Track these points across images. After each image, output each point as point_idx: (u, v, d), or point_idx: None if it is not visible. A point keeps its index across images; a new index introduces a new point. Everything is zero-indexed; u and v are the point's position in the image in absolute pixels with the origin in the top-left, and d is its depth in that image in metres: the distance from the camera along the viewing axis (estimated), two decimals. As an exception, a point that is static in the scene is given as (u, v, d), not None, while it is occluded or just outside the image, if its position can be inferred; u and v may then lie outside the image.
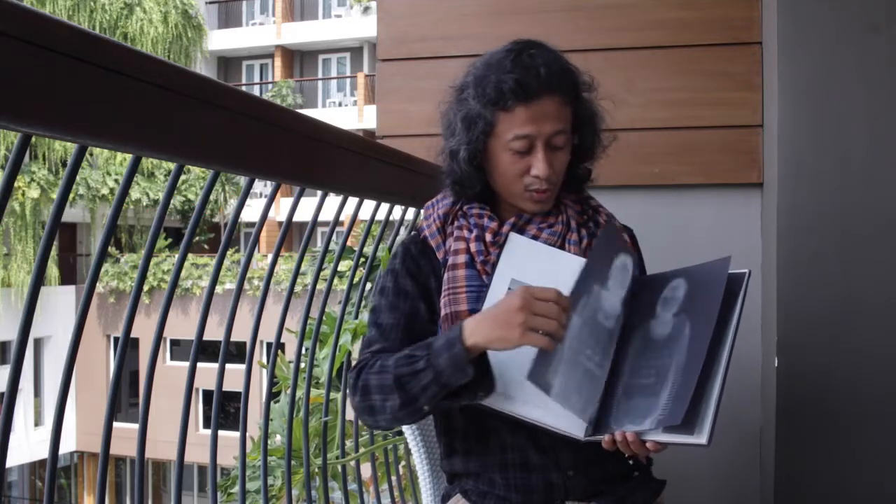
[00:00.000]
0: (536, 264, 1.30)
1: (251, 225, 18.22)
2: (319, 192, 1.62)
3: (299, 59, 20.95)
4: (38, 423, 16.33)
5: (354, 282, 2.05)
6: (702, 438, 1.10)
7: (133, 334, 1.16)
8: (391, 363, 1.22)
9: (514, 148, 1.27)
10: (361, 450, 2.22)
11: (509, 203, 1.35)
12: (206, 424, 15.51)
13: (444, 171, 1.37)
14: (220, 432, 1.52)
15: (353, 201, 1.75)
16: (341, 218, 1.83)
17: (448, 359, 1.15)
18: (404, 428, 1.55)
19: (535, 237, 1.33)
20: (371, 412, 1.24)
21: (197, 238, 17.14)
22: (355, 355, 2.14)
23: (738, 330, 1.19)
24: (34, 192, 15.68)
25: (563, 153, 1.31)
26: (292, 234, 17.08)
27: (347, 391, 1.31)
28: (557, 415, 1.21)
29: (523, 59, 1.25)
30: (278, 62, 20.44)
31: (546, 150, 1.27)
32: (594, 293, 1.26)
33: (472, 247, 1.32)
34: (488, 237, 1.32)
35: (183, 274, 15.09)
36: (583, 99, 1.32)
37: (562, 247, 1.33)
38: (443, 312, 1.30)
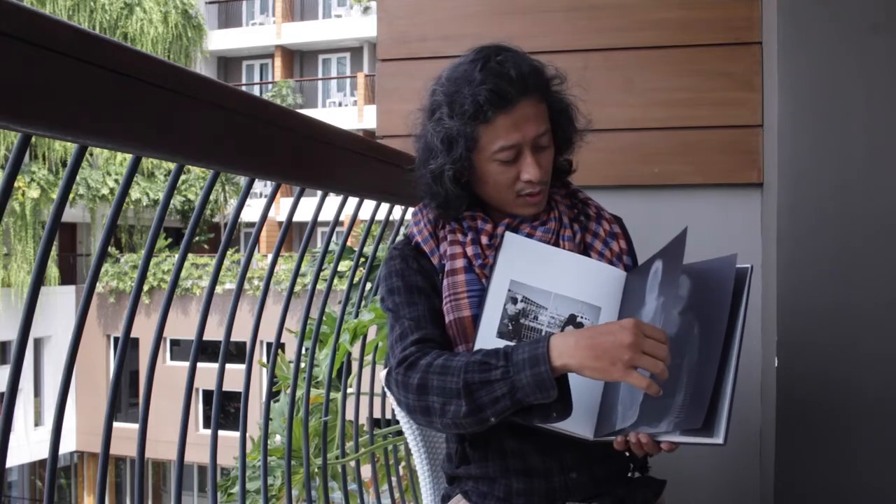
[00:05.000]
0: (534, 263, 1.29)
1: (251, 225, 18.22)
2: (319, 192, 1.62)
3: (299, 59, 20.95)
4: (38, 423, 16.33)
5: (354, 282, 2.05)
6: (718, 438, 1.09)
7: (133, 334, 1.16)
8: (458, 365, 1.15)
9: (500, 159, 1.25)
10: (361, 450, 2.22)
11: (501, 211, 1.34)
12: (206, 424, 15.51)
13: (424, 193, 1.33)
14: (220, 432, 1.52)
15: (353, 201, 1.75)
16: (341, 218, 1.83)
17: (531, 376, 1.09)
18: (404, 428, 1.55)
19: (529, 236, 1.32)
20: (427, 413, 1.17)
21: (197, 238, 17.14)
22: (355, 355, 2.14)
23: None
24: (34, 192, 15.68)
25: (549, 151, 1.30)
26: (292, 234, 17.08)
27: (393, 388, 1.23)
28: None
29: (492, 66, 1.22)
30: (278, 62, 20.44)
31: (533, 153, 1.26)
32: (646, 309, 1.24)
33: (469, 251, 1.30)
34: (484, 240, 1.30)
35: (183, 274, 15.09)
36: (554, 93, 1.31)
37: (556, 244, 1.32)
38: (447, 319, 1.28)
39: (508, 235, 1.31)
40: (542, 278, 1.29)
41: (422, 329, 1.25)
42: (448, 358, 1.18)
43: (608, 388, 1.23)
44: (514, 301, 1.27)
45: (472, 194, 1.33)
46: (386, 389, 1.51)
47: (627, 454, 1.33)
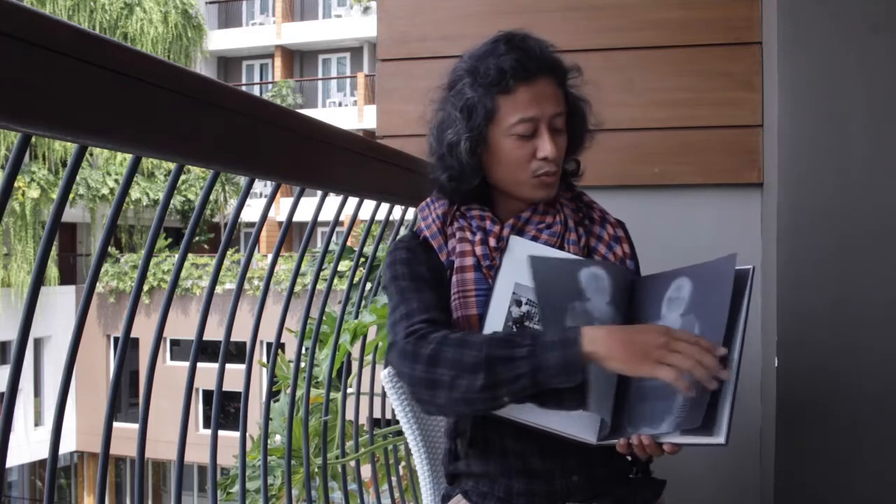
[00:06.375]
0: None
1: (251, 225, 18.21)
2: (319, 192, 1.62)
3: (299, 59, 20.95)
4: (38, 423, 16.33)
5: (354, 282, 2.05)
6: (720, 438, 1.10)
7: (133, 334, 1.16)
8: (479, 340, 1.14)
9: (517, 132, 1.25)
10: (361, 450, 2.22)
11: (510, 198, 1.33)
12: (206, 424, 15.51)
13: (435, 170, 1.32)
14: (220, 432, 1.52)
15: (353, 201, 1.75)
16: (341, 218, 1.83)
17: (559, 356, 1.10)
18: (404, 428, 1.55)
19: (534, 238, 1.31)
20: (432, 386, 1.14)
21: (197, 238, 17.14)
22: (355, 355, 2.15)
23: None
24: (34, 192, 15.68)
25: (563, 137, 1.30)
26: (292, 234, 17.08)
27: (397, 360, 1.20)
28: (569, 421, 1.19)
29: (517, 41, 1.26)
30: (278, 62, 20.44)
31: (550, 131, 1.26)
32: (577, 309, 1.24)
33: (478, 250, 1.29)
34: (492, 242, 1.30)
35: (183, 274, 15.09)
36: (569, 85, 1.32)
37: (561, 247, 1.32)
38: (454, 315, 1.27)
39: (514, 238, 1.30)
40: None
41: (431, 311, 1.24)
42: (466, 334, 1.18)
43: (619, 393, 1.23)
44: (519, 304, 1.27)
45: (484, 184, 1.32)
46: (384, 383, 1.51)
47: (630, 458, 1.33)
